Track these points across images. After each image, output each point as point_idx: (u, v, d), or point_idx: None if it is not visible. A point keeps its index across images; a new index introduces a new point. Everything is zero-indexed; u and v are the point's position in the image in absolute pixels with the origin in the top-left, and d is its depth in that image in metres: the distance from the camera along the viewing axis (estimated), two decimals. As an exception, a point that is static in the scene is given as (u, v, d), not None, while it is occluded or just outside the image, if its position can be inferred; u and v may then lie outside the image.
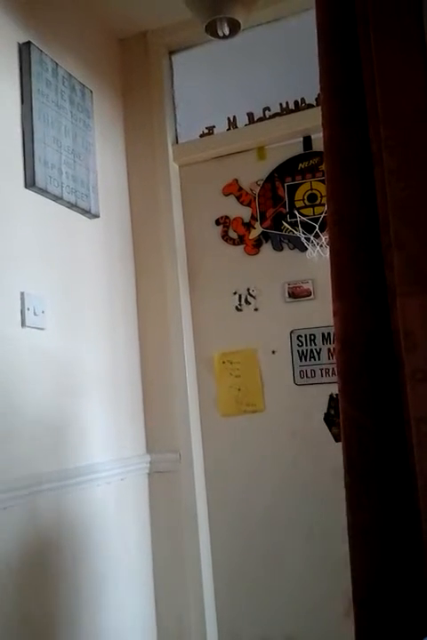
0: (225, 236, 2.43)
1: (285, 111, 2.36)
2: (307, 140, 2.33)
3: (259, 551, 2.28)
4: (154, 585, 2.29)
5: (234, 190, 2.43)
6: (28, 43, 1.90)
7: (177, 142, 2.51)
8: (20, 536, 1.65)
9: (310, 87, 2.23)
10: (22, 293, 1.77)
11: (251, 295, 2.37)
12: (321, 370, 2.25)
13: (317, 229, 2.25)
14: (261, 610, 2.26)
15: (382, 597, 0.95)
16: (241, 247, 2.40)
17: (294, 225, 2.30)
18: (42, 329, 1.84)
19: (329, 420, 2.21)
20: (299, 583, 2.21)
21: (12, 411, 1.69)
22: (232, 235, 2.42)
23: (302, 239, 2.27)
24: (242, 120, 2.42)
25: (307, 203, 2.31)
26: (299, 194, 2.33)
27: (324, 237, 2.21)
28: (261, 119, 2.40)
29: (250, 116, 2.41)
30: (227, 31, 2.01)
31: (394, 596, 0.94)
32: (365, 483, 0.98)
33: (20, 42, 1.90)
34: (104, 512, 2.03)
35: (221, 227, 2.44)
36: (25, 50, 1.90)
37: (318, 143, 2.26)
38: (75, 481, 1.88)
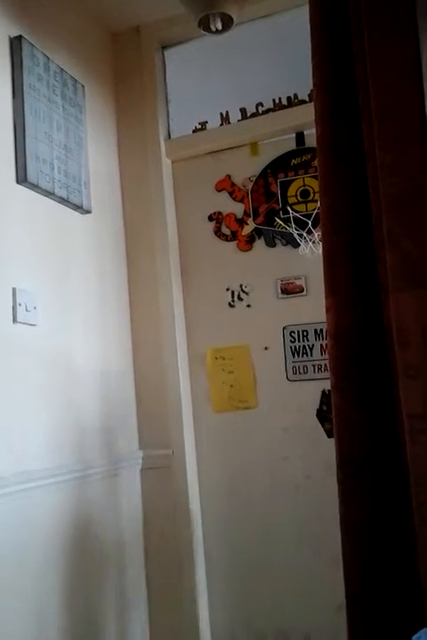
0: (218, 232, 2.43)
1: (277, 107, 2.36)
2: (300, 136, 2.33)
3: (252, 546, 2.28)
4: (146, 581, 2.29)
5: (227, 186, 2.43)
6: (20, 37, 1.89)
7: (169, 137, 2.51)
8: (9, 533, 1.64)
9: (303, 83, 2.22)
10: (14, 289, 1.76)
11: (244, 291, 2.37)
12: (314, 366, 2.25)
13: (309, 225, 2.25)
14: (254, 605, 2.27)
15: (374, 592, 0.96)
16: (234, 243, 2.40)
17: (286, 221, 2.30)
18: (33, 325, 1.83)
19: (321, 415, 2.22)
20: (292, 578, 2.22)
21: (3, 407, 1.68)
22: (225, 231, 2.42)
23: (295, 235, 2.28)
24: (235, 115, 2.42)
25: (300, 199, 2.31)
26: (292, 190, 2.33)
27: (316, 233, 2.21)
28: (253, 115, 2.39)
29: (243, 111, 2.41)
30: (220, 26, 2.00)
31: (386, 591, 0.95)
32: (357, 478, 0.98)
33: (12, 36, 1.89)
34: (96, 508, 2.03)
35: (213, 222, 2.43)
36: (16, 44, 1.88)
37: (311, 139, 2.26)
38: (67, 477, 1.88)
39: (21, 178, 1.84)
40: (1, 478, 1.62)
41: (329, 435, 2.17)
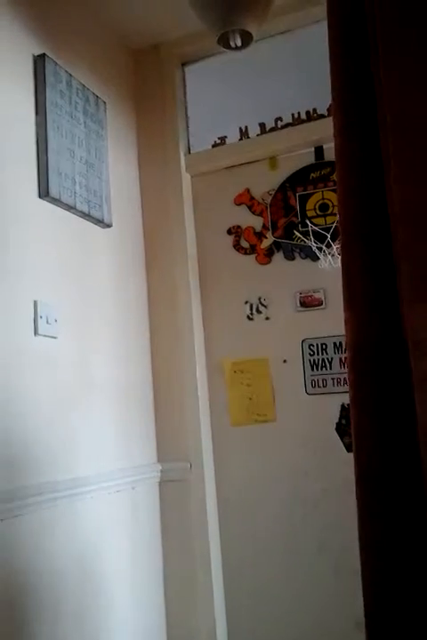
0: (237, 246, 2.44)
1: (297, 121, 2.37)
2: (319, 150, 2.34)
3: (270, 561, 2.27)
4: (164, 595, 2.28)
5: (246, 200, 2.44)
6: (43, 55, 1.93)
7: (189, 152, 2.53)
8: (29, 547, 1.65)
9: (322, 97, 2.23)
10: (35, 302, 1.79)
11: (262, 304, 2.37)
12: (333, 379, 2.24)
13: (328, 239, 2.25)
14: (273, 620, 2.25)
15: (394, 608, 0.94)
16: (253, 256, 2.41)
17: (305, 234, 2.31)
18: (54, 337, 1.85)
19: (341, 429, 2.20)
20: (310, 594, 2.20)
21: (24, 418, 1.70)
22: (244, 244, 2.43)
23: (314, 248, 2.28)
24: (254, 130, 2.44)
25: (318, 212, 2.31)
26: (310, 203, 2.33)
27: (335, 247, 2.21)
28: (272, 129, 2.41)
29: (262, 126, 2.42)
30: (239, 43, 2.03)
31: (406, 607, 0.94)
32: (376, 493, 0.97)
33: (35, 54, 1.93)
34: (115, 521, 2.04)
35: (232, 236, 2.45)
36: (40, 62, 1.93)
37: (330, 153, 2.26)
38: (86, 489, 1.89)
39: (44, 192, 1.87)
40: (17, 489, 1.63)
41: (349, 449, 2.15)
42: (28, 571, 1.63)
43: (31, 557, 1.65)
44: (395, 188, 0.99)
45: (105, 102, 2.26)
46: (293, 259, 2.35)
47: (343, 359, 2.22)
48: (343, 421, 2.19)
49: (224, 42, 2.03)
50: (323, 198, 2.32)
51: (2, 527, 1.56)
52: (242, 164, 2.46)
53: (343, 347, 2.20)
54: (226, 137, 2.48)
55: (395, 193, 0.99)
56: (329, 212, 2.30)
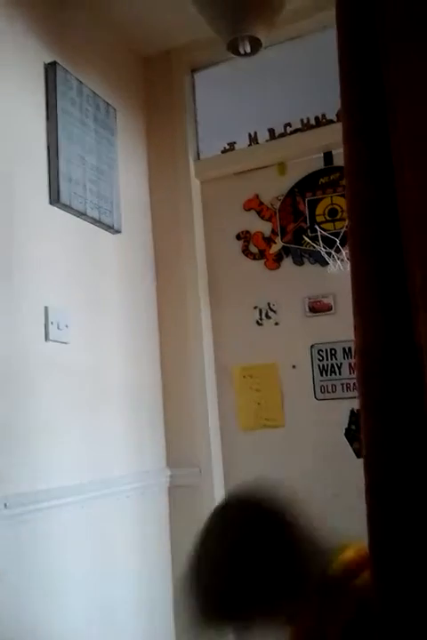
0: (246, 251, 2.44)
1: (306, 127, 2.38)
2: (328, 156, 2.34)
3: (279, 568, 2.26)
4: (173, 602, 2.28)
5: (255, 205, 2.44)
6: (54, 62, 1.95)
7: (199, 158, 2.54)
8: (36, 549, 1.66)
9: (331, 103, 2.23)
10: (46, 308, 1.80)
11: (271, 309, 2.37)
12: (342, 385, 2.23)
13: (337, 244, 2.25)
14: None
15: (402, 612, 0.94)
16: (262, 262, 2.41)
17: (314, 239, 2.31)
18: (65, 343, 1.86)
19: (350, 435, 2.19)
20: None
21: (35, 423, 1.71)
22: (253, 249, 2.43)
23: (323, 253, 2.27)
24: (263, 136, 2.44)
25: (328, 217, 2.31)
26: (320, 209, 2.33)
27: (345, 252, 2.21)
28: (282, 135, 2.41)
29: (271, 131, 2.43)
30: (248, 49, 2.03)
31: (416, 618, 0.93)
32: (385, 500, 0.97)
33: (46, 62, 1.95)
34: (124, 526, 2.04)
35: (241, 241, 2.45)
36: (51, 69, 1.95)
37: (339, 158, 2.27)
38: (95, 494, 1.89)
39: (54, 199, 1.89)
40: (24, 494, 1.64)
41: (358, 454, 2.15)
42: (35, 572, 1.64)
43: (38, 558, 1.65)
44: (409, 194, 0.99)
45: (115, 109, 2.27)
46: (302, 264, 2.35)
47: (353, 364, 2.21)
48: (353, 427, 2.19)
49: (233, 48, 2.04)
50: (332, 203, 2.32)
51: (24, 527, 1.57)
52: (251, 170, 2.46)
53: (353, 352, 2.19)
54: (235, 143, 2.49)
55: (409, 198, 0.99)
56: (338, 217, 2.29)
